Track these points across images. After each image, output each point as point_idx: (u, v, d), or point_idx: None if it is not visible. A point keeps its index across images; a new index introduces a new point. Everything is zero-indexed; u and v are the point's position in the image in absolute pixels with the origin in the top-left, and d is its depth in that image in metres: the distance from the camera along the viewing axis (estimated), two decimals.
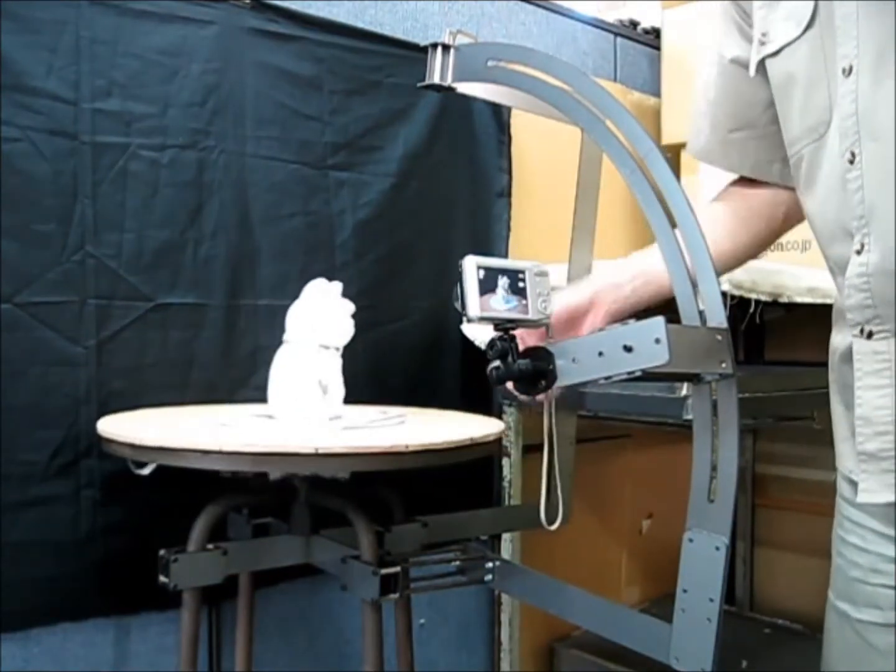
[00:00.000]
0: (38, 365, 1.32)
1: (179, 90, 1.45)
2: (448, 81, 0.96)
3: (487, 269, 0.83)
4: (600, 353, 0.78)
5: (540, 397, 0.90)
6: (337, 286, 1.33)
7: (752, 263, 1.54)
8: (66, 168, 1.34)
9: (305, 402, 1.29)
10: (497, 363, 0.84)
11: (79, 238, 1.36)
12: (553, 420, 0.94)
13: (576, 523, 1.65)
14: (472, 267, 0.82)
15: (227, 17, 1.50)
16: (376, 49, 1.68)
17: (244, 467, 1.07)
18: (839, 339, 0.92)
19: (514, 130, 1.89)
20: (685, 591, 0.84)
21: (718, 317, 0.80)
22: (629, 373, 0.76)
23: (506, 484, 1.79)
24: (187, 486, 1.26)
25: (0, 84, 1.28)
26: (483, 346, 0.95)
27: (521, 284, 0.85)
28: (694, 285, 0.81)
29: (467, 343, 1.71)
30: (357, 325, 1.33)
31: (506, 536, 1.79)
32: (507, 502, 1.79)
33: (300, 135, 1.59)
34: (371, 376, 1.60)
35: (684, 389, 1.40)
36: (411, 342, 1.73)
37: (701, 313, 0.81)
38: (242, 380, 1.51)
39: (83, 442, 1.35)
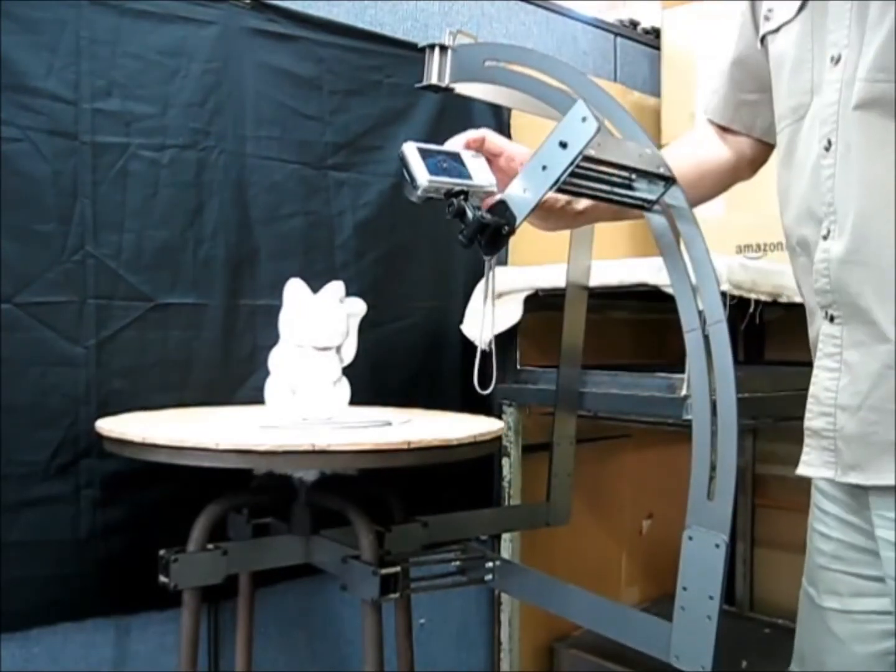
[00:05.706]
0: (38, 365, 1.32)
1: (179, 90, 1.45)
2: (445, 82, 0.96)
3: (426, 150, 0.89)
4: (544, 167, 0.80)
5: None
6: (336, 287, 1.33)
7: (752, 263, 1.54)
8: (66, 168, 1.34)
9: (271, 403, 1.33)
10: (460, 223, 0.86)
11: (79, 238, 1.36)
12: (494, 269, 0.94)
13: (576, 523, 1.66)
14: (411, 148, 0.88)
15: (227, 17, 1.50)
16: (376, 49, 1.68)
17: (232, 464, 1.06)
18: (811, 331, 0.93)
19: (514, 130, 1.89)
20: (685, 588, 0.84)
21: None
22: (572, 163, 0.78)
23: (506, 484, 1.79)
24: (187, 485, 1.26)
25: (0, 84, 1.28)
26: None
27: (459, 161, 0.91)
28: (694, 289, 0.82)
29: (467, 343, 1.71)
30: (357, 326, 1.33)
31: (506, 536, 1.79)
32: (507, 502, 1.79)
33: (300, 135, 1.59)
34: (371, 376, 1.59)
35: (684, 389, 1.40)
36: (411, 342, 1.73)
37: (700, 313, 0.81)
38: (242, 380, 1.51)
39: (83, 442, 1.35)
